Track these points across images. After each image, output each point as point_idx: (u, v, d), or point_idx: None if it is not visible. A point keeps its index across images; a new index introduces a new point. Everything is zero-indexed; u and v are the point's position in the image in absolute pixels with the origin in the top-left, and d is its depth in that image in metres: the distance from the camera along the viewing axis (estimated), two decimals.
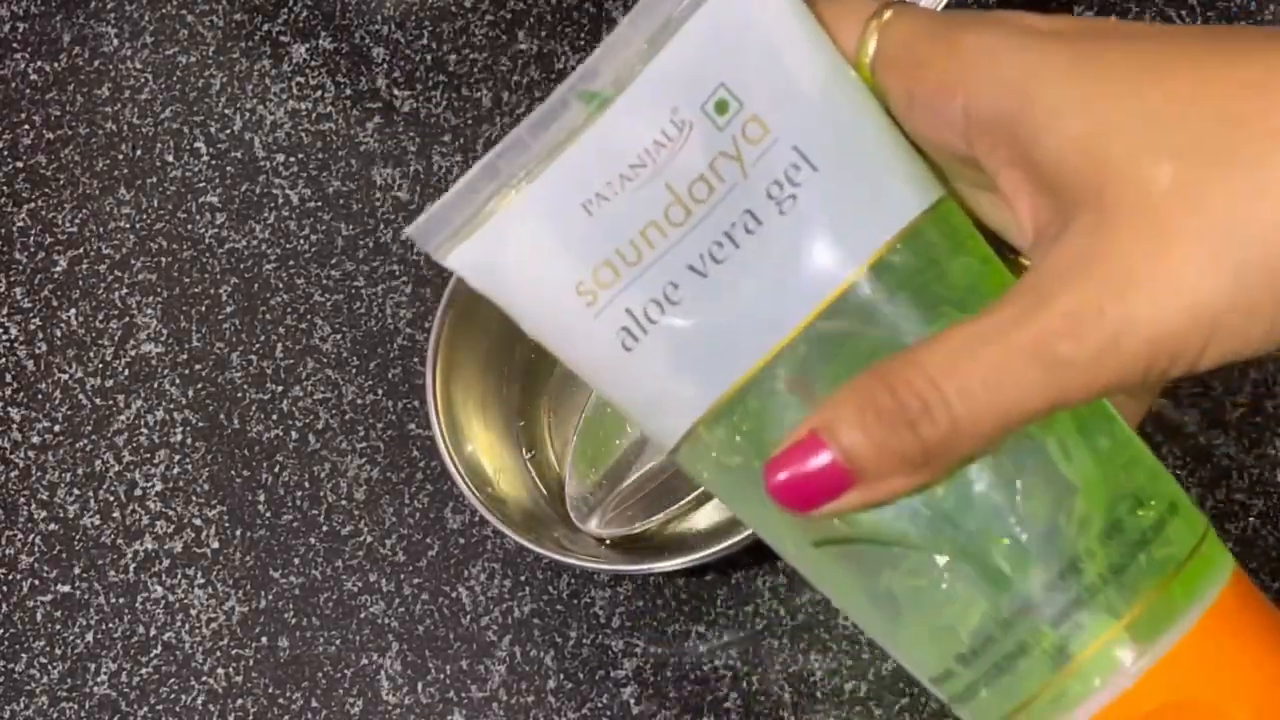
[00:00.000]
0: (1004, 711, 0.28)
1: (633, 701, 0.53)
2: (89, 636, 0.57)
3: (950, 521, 0.27)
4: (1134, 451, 0.29)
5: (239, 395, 0.59)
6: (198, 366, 0.60)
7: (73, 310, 0.61)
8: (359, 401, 0.58)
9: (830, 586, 0.30)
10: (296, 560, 0.56)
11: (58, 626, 0.57)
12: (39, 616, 0.57)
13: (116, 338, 0.61)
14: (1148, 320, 0.25)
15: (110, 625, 0.57)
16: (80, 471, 0.59)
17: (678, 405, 0.28)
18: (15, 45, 0.66)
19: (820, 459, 0.26)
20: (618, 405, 0.30)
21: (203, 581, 0.57)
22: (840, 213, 0.27)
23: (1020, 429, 0.26)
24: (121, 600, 0.57)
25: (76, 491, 0.59)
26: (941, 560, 0.27)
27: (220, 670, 0.55)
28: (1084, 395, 0.25)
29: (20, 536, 0.58)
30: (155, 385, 0.60)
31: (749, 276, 0.28)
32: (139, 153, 0.63)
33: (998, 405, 0.25)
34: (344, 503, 0.57)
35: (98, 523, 0.58)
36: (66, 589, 0.58)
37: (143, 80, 0.65)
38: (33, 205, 0.63)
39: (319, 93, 0.63)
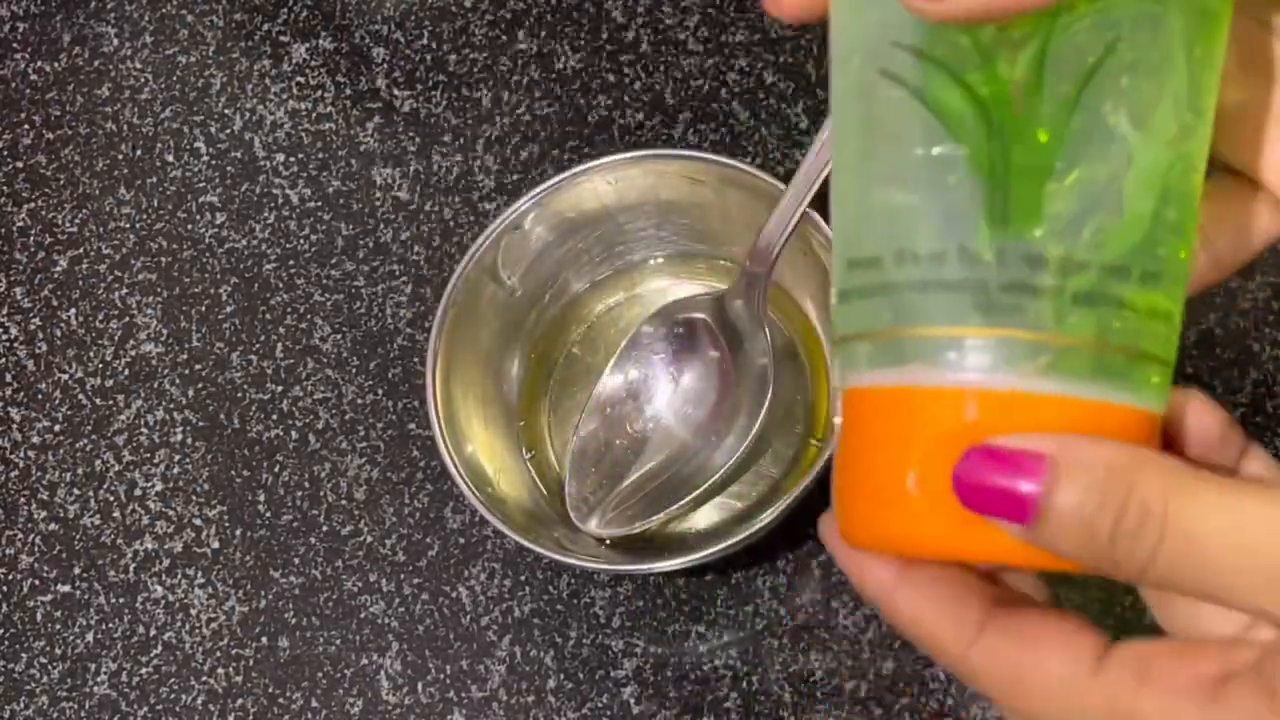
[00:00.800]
0: (898, 325, 0.27)
1: (633, 701, 0.53)
2: (89, 636, 0.57)
3: (1020, 132, 0.27)
4: (1183, 264, 0.28)
5: (239, 395, 0.59)
6: (198, 366, 0.60)
7: (73, 310, 0.61)
8: (359, 401, 0.58)
9: (858, 125, 0.29)
10: (296, 560, 0.56)
11: (58, 626, 0.57)
12: (39, 616, 0.57)
13: (116, 338, 0.61)
14: None
15: (110, 625, 0.57)
16: (80, 471, 0.59)
17: None
18: (15, 45, 0.66)
19: None
20: None
21: (203, 581, 0.57)
22: None
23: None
24: (121, 600, 0.57)
25: (76, 491, 0.59)
26: (967, 157, 0.27)
27: (220, 670, 0.55)
28: None
29: (20, 536, 0.58)
30: (155, 385, 0.60)
31: None
32: (139, 153, 0.63)
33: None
34: (344, 503, 0.57)
35: (98, 523, 0.58)
36: (66, 589, 0.58)
37: (143, 80, 0.65)
38: (33, 205, 0.63)
39: (319, 93, 0.63)
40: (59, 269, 0.62)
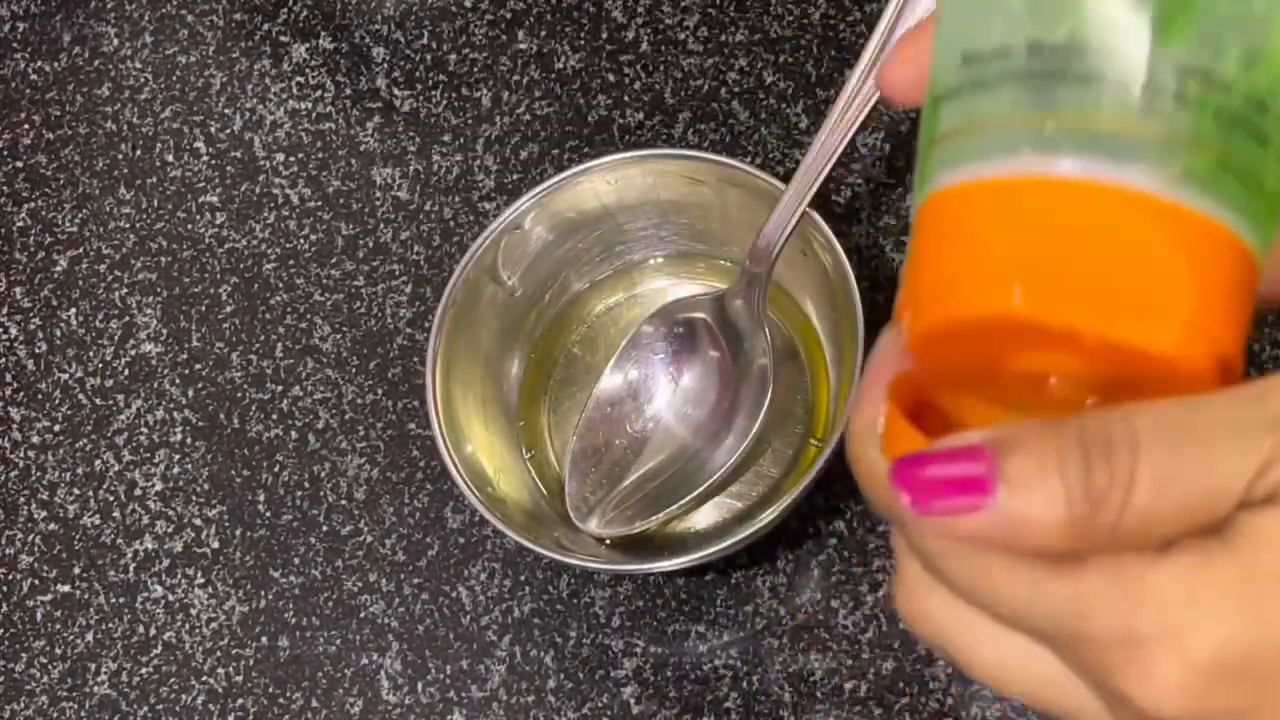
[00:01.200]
0: (1030, 109, 0.27)
1: (633, 701, 0.53)
2: (89, 636, 0.57)
3: None
4: None
5: (239, 395, 0.59)
6: (198, 366, 0.60)
7: (73, 310, 0.61)
8: (359, 401, 0.58)
9: None
10: (296, 560, 0.56)
11: (58, 626, 0.57)
12: (39, 616, 0.57)
13: (116, 338, 0.61)
14: None
15: (110, 625, 0.57)
16: (80, 471, 0.59)
17: None
18: (15, 45, 0.66)
19: None
20: None
21: (203, 581, 0.57)
22: None
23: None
24: (121, 600, 0.57)
25: (76, 491, 0.59)
26: None
27: (220, 670, 0.55)
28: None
29: (20, 536, 0.58)
30: (155, 385, 0.60)
31: None
32: (139, 153, 0.63)
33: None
34: (344, 503, 0.57)
35: (98, 523, 0.58)
36: (66, 589, 0.58)
37: (143, 80, 0.65)
38: (33, 205, 0.63)
39: (319, 93, 0.63)
40: (59, 269, 0.62)
